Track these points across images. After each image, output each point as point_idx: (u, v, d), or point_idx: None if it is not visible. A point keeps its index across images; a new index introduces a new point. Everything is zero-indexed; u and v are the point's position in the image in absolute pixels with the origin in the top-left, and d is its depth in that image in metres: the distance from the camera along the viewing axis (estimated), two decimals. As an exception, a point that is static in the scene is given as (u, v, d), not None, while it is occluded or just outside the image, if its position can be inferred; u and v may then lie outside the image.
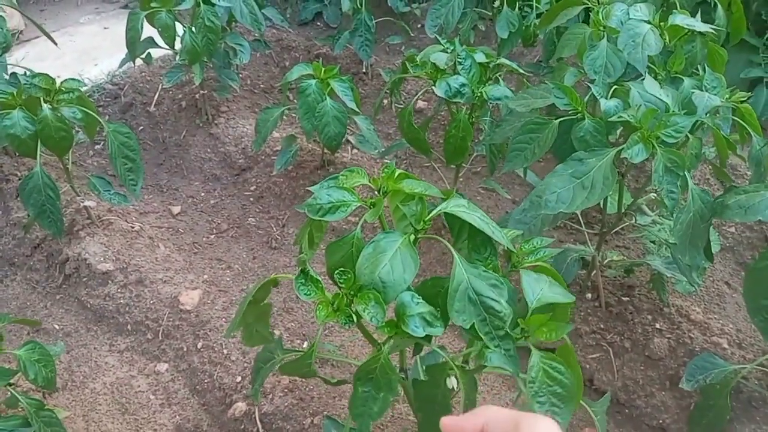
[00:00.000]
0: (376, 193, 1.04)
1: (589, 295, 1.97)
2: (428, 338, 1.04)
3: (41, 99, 1.84)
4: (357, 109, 2.17)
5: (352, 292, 0.93)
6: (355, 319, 0.92)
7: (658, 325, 1.88)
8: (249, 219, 2.44)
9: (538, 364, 0.95)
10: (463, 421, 0.49)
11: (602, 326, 1.90)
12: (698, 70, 1.72)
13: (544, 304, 1.00)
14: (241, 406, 1.69)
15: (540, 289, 1.02)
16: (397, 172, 1.04)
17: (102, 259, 2.09)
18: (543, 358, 0.96)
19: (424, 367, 1.09)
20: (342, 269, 0.94)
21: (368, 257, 0.94)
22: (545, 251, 1.14)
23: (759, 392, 1.71)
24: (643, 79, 1.52)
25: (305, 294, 0.93)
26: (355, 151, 2.63)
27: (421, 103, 2.91)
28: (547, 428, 0.45)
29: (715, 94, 1.48)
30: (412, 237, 1.00)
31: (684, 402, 1.77)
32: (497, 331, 0.94)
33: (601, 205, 1.83)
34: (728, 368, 1.63)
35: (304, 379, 1.71)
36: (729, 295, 2.13)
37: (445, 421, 0.50)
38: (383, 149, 2.42)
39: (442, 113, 2.69)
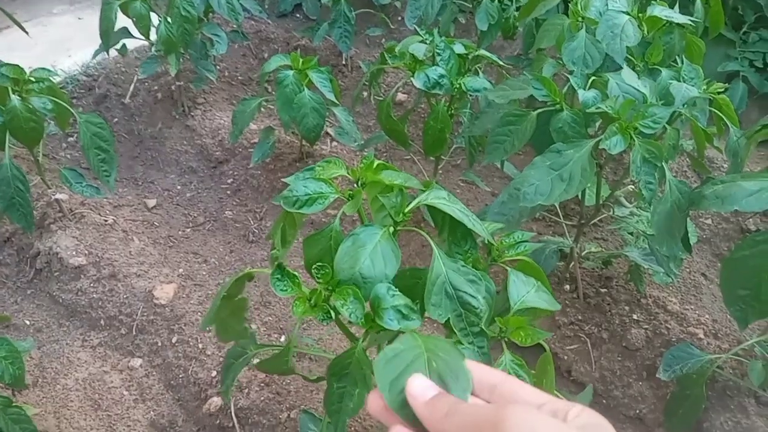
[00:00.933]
0: (354, 184, 1.02)
1: (567, 287, 1.98)
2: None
3: (9, 89, 1.79)
4: (336, 100, 2.14)
5: (330, 288, 0.91)
6: (333, 315, 0.90)
7: (635, 316, 1.89)
8: (226, 212, 2.40)
9: (505, 365, 0.94)
10: (484, 368, 0.49)
11: (580, 317, 1.91)
12: (676, 62, 1.73)
13: (526, 307, 0.99)
14: (216, 401, 1.67)
15: (525, 292, 1.01)
16: (376, 162, 1.02)
17: (74, 253, 2.04)
18: (513, 362, 0.95)
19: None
20: (320, 264, 0.91)
21: (347, 251, 0.92)
22: (525, 245, 1.13)
23: (734, 381, 1.73)
24: (622, 70, 1.52)
25: (281, 290, 0.90)
26: (334, 143, 2.61)
27: (400, 96, 2.89)
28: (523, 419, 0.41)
29: (693, 86, 1.49)
30: (392, 229, 0.98)
31: (661, 392, 1.78)
32: (472, 328, 0.93)
33: (580, 197, 1.83)
34: (704, 358, 1.65)
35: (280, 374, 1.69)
36: (705, 286, 2.15)
37: (470, 363, 0.50)
38: (363, 141, 2.40)
39: (422, 105, 2.68)
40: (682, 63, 1.64)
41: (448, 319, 0.92)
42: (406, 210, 1.00)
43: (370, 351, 1.03)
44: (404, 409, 0.49)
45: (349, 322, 0.88)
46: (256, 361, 1.19)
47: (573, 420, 0.41)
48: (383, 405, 0.49)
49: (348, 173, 1.01)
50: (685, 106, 1.49)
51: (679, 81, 1.53)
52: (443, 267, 0.92)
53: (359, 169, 1.00)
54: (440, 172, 2.33)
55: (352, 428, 1.56)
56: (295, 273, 0.91)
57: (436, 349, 0.57)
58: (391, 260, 0.91)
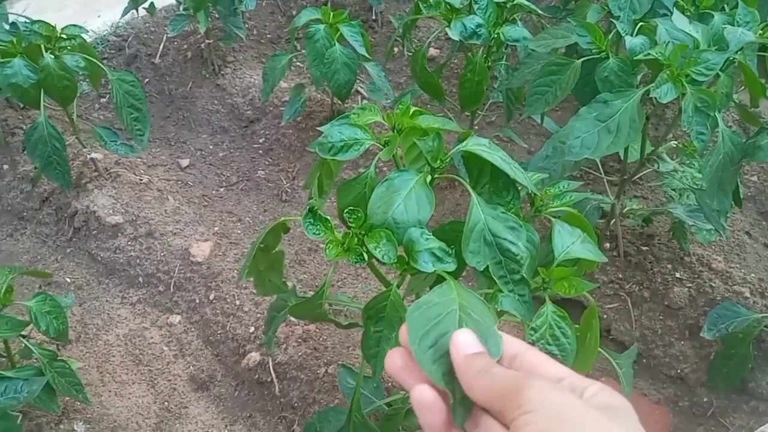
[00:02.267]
0: (390, 131, 0.99)
1: (608, 245, 1.93)
2: (441, 279, 1.00)
3: (42, 47, 1.78)
4: (367, 55, 2.09)
5: (362, 232, 0.89)
6: (366, 258, 0.89)
7: (678, 275, 1.84)
8: (258, 172, 2.39)
9: (546, 317, 0.91)
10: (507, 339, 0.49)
11: (621, 276, 1.86)
12: (726, 8, 1.63)
13: (571, 258, 0.96)
14: (255, 356, 1.68)
15: (571, 243, 0.97)
16: (413, 108, 0.99)
17: (111, 211, 2.06)
18: (555, 314, 0.91)
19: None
20: (351, 208, 0.89)
21: (381, 196, 0.90)
22: (571, 195, 1.09)
23: (781, 341, 1.68)
24: (671, 15, 1.43)
25: (314, 233, 0.89)
26: (365, 101, 2.56)
27: (433, 51, 2.81)
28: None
29: (749, 30, 1.40)
30: (428, 177, 0.95)
31: (703, 352, 1.74)
32: (512, 275, 0.90)
33: (621, 153, 1.77)
34: (751, 317, 1.60)
35: (317, 329, 1.70)
36: (750, 245, 2.08)
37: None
38: (395, 98, 2.35)
39: (455, 60, 2.60)
40: (737, 7, 1.54)
41: (487, 267, 0.89)
42: (445, 157, 0.97)
43: (407, 300, 1.02)
44: (431, 364, 0.47)
45: (383, 264, 0.86)
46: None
47: (590, 398, 0.42)
48: (402, 364, 0.48)
49: (383, 119, 0.97)
50: (739, 52, 1.41)
51: (733, 25, 1.44)
52: (482, 214, 0.89)
53: (395, 114, 0.97)
54: (476, 127, 2.27)
55: (390, 383, 1.56)
56: (328, 217, 0.89)
57: (469, 308, 0.54)
58: (425, 206, 0.88)
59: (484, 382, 0.43)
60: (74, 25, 1.89)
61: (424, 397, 0.45)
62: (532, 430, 0.38)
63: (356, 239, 0.89)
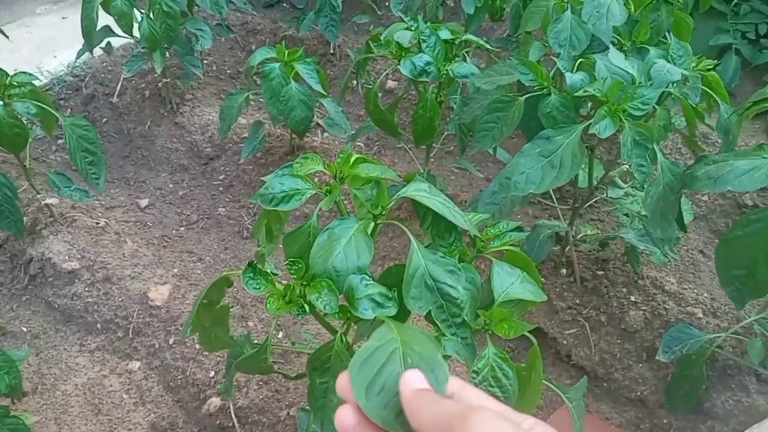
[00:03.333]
0: (333, 179, 1.01)
1: (564, 271, 1.96)
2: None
3: (-9, 95, 1.77)
4: (323, 92, 2.11)
5: (305, 282, 0.90)
6: (307, 309, 0.89)
7: (633, 298, 1.88)
8: (219, 209, 2.38)
9: (488, 359, 0.93)
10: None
11: (578, 301, 1.90)
12: (665, 39, 1.70)
13: (511, 299, 0.98)
14: (215, 401, 1.66)
15: (510, 284, 0.99)
16: (354, 156, 1.00)
17: (67, 257, 2.03)
18: (496, 356, 0.93)
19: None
20: (292, 259, 0.90)
21: (322, 245, 0.91)
22: (511, 235, 1.11)
23: (734, 360, 1.72)
24: (609, 50, 1.49)
25: (254, 288, 0.89)
26: (325, 134, 2.58)
27: (390, 83, 2.86)
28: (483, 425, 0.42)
29: (682, 63, 1.46)
30: (371, 223, 0.97)
31: (661, 373, 1.77)
32: (454, 319, 0.92)
33: (573, 180, 1.81)
34: (703, 338, 1.64)
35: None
36: (704, 263, 2.14)
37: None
38: (353, 132, 2.37)
39: (412, 92, 2.64)
40: (671, 40, 1.61)
41: (429, 311, 0.91)
42: (386, 203, 0.98)
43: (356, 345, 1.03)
44: (382, 410, 0.48)
45: (324, 315, 0.87)
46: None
47: (529, 431, 0.44)
48: (354, 422, 0.48)
49: (325, 168, 0.99)
50: (675, 85, 1.46)
51: (668, 59, 1.50)
52: (421, 258, 0.91)
53: (336, 163, 0.98)
54: (432, 159, 2.31)
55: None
56: (268, 270, 0.89)
57: (411, 342, 0.56)
58: (364, 252, 0.90)
59: (431, 412, 0.45)
60: (24, 72, 1.88)
61: None
62: None
63: (298, 290, 0.90)
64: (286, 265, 0.90)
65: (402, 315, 0.94)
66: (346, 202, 1.59)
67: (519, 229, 1.09)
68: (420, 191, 0.97)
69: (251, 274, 0.89)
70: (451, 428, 0.43)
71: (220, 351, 1.75)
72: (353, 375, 0.51)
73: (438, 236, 1.02)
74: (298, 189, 0.95)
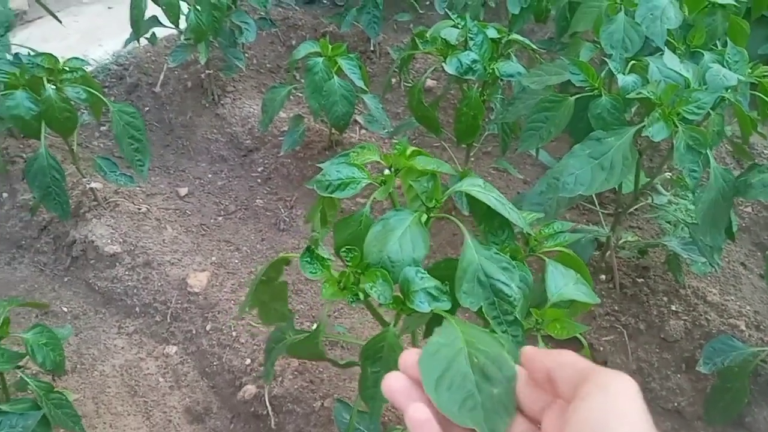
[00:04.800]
0: (387, 170, 1.01)
1: (603, 277, 1.94)
2: (437, 319, 1.01)
3: (44, 79, 1.81)
4: (365, 87, 2.12)
5: (359, 270, 0.90)
6: (362, 297, 0.90)
7: (673, 307, 1.84)
8: (257, 200, 2.41)
9: None
10: (539, 354, 0.47)
11: (617, 308, 1.87)
12: (718, 45, 1.67)
13: (564, 299, 0.97)
14: (250, 389, 1.68)
15: (564, 284, 0.98)
16: (410, 149, 1.01)
17: (109, 241, 2.07)
18: None
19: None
20: (349, 247, 0.91)
21: (377, 235, 0.92)
22: (565, 236, 1.10)
23: (777, 375, 1.68)
24: (662, 53, 1.46)
25: (311, 272, 0.90)
26: (363, 131, 2.59)
27: (430, 82, 2.85)
28: (624, 386, 0.41)
29: (737, 69, 1.43)
30: (424, 216, 0.97)
31: (700, 385, 1.74)
32: (506, 316, 0.91)
33: (616, 186, 1.79)
34: (747, 351, 1.60)
35: (314, 362, 1.69)
36: (745, 276, 2.09)
37: (526, 349, 0.48)
38: (392, 129, 2.38)
39: (452, 92, 2.64)
40: (725, 45, 1.58)
41: (481, 307, 0.90)
42: (440, 197, 0.98)
43: (405, 339, 1.02)
44: (452, 408, 0.49)
45: (380, 304, 0.87)
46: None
47: None
48: (398, 387, 0.49)
49: (381, 159, 0.99)
50: (729, 90, 1.44)
51: (723, 64, 1.47)
52: (475, 254, 0.91)
53: (393, 155, 0.99)
54: (472, 159, 2.30)
55: (386, 417, 1.56)
56: (325, 256, 0.90)
57: (476, 342, 0.56)
58: (420, 245, 0.90)
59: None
60: (76, 58, 1.92)
61: (419, 415, 0.46)
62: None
63: (352, 278, 0.90)
64: (341, 252, 0.90)
65: (452, 308, 0.94)
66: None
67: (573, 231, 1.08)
68: (475, 186, 0.97)
69: (308, 259, 0.89)
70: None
71: (256, 332, 1.78)
72: (422, 368, 0.51)
73: (491, 233, 1.01)
74: (354, 177, 0.96)
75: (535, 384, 0.47)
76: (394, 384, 0.49)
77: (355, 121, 2.60)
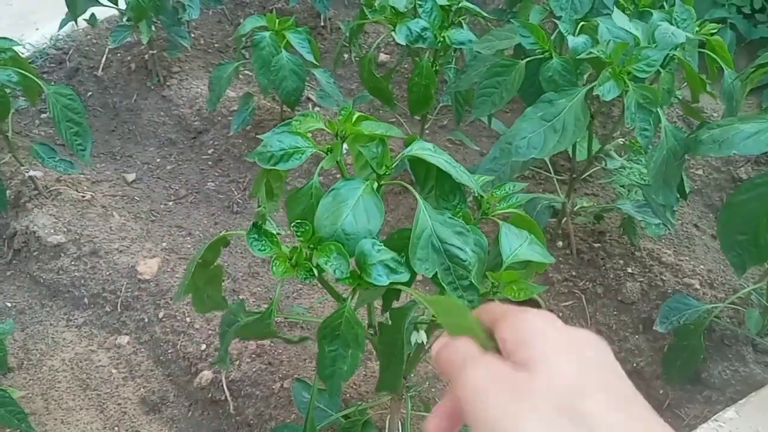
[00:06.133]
0: (333, 138, 0.97)
1: (560, 243, 1.94)
2: (394, 291, 0.98)
3: (-30, 61, 1.70)
4: (316, 62, 2.06)
5: (311, 245, 0.86)
6: (315, 273, 0.86)
7: (629, 270, 1.86)
8: (208, 183, 2.33)
9: None
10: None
11: (574, 273, 1.88)
12: (665, 5, 1.66)
13: (519, 261, 0.95)
14: (207, 375, 1.63)
15: (518, 245, 0.96)
16: (356, 114, 0.96)
17: (52, 231, 1.97)
18: None
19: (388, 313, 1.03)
20: (299, 221, 0.87)
21: (328, 207, 0.87)
22: (517, 197, 1.08)
23: (731, 330, 1.72)
24: (612, 13, 1.45)
25: (259, 250, 0.86)
26: (317, 108, 2.53)
27: (383, 56, 2.81)
28: (541, 319, 0.39)
29: (686, 27, 1.43)
30: (375, 184, 0.93)
31: (657, 344, 1.76)
32: (461, 281, 0.89)
33: (570, 152, 1.79)
34: (701, 308, 1.63)
35: (272, 343, 1.65)
36: (698, 237, 2.13)
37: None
38: (345, 104, 2.32)
39: (405, 66, 2.60)
40: (674, 6, 1.58)
41: (435, 273, 0.88)
42: (390, 162, 0.95)
43: (361, 312, 0.99)
44: None
45: (336, 280, 0.84)
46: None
47: None
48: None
49: (326, 126, 0.95)
50: (678, 48, 1.43)
51: (671, 23, 1.47)
52: (429, 219, 0.88)
53: (338, 121, 0.94)
54: (426, 132, 2.27)
55: (347, 394, 1.53)
56: (273, 231, 0.85)
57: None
58: (375, 215, 0.86)
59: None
60: (5, 38, 1.81)
61: None
62: None
63: (305, 254, 0.86)
64: (292, 227, 0.86)
65: (410, 279, 0.91)
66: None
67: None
68: (425, 150, 0.94)
69: (255, 235, 0.85)
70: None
71: (211, 316, 1.72)
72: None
73: (442, 198, 0.98)
74: (298, 147, 0.91)
75: None
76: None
77: (308, 98, 2.54)
